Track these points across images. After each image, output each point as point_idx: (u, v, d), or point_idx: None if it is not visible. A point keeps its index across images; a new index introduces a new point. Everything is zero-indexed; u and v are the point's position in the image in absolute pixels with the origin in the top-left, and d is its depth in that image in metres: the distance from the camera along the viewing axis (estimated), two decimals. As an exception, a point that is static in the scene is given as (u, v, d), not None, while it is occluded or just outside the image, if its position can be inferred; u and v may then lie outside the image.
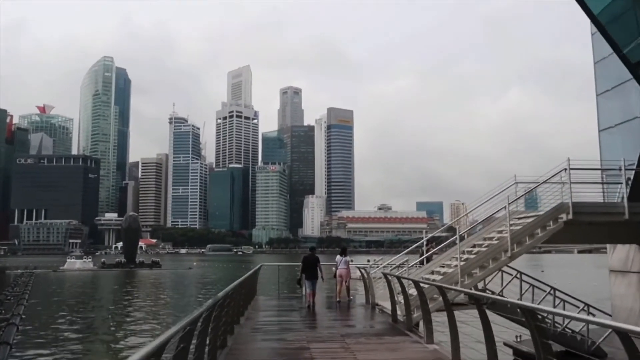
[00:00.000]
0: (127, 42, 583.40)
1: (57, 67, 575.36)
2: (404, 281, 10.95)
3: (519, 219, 12.59)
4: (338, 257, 18.18)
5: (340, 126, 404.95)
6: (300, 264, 16.95)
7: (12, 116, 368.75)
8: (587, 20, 15.10)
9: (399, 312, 11.66)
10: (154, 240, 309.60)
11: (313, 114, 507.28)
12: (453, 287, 9.89)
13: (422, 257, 13.87)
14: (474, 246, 12.75)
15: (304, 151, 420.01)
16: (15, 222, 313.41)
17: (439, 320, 10.22)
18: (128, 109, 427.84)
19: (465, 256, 12.11)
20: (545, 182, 12.15)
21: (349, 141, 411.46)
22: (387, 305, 13.15)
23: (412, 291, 10.97)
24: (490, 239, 12.53)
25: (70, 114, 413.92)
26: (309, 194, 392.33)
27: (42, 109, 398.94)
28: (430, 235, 14.76)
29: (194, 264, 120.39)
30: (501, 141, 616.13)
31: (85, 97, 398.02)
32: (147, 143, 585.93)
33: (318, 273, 16.58)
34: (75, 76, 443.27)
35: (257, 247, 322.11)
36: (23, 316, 29.35)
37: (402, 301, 10.95)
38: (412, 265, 14.47)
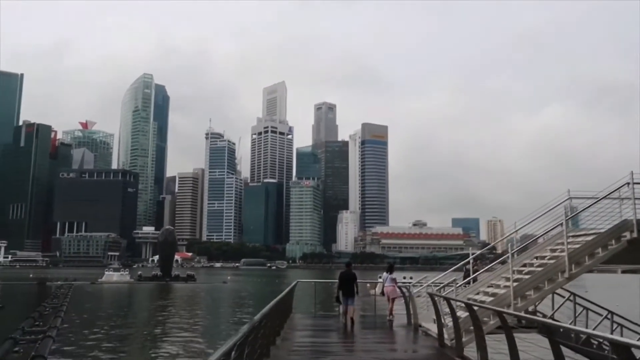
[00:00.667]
0: (165, 60, 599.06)
1: (98, 84, 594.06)
2: (452, 302, 10.21)
3: (574, 237, 11.70)
4: (384, 274, 17.71)
5: (374, 141, 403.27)
6: (336, 280, 16.34)
7: (56, 132, 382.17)
8: (628, 36, 14.04)
9: (446, 336, 10.90)
10: (190, 254, 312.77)
11: (347, 129, 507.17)
12: (512, 311, 9.12)
13: (472, 277, 12.99)
14: (524, 265, 11.89)
15: (338, 166, 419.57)
16: (57, 235, 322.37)
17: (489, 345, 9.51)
18: (166, 124, 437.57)
19: (516, 276, 11.29)
20: (605, 197, 11.16)
21: (383, 156, 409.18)
22: (432, 327, 12.41)
23: (460, 313, 10.25)
24: (543, 257, 11.66)
25: (111, 129, 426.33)
26: (343, 209, 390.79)
27: (85, 125, 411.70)
28: (477, 253, 13.91)
29: (228, 278, 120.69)
30: (537, 157, 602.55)
31: (125, 113, 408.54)
32: (184, 158, 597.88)
33: (355, 290, 16.08)
34: (116, 93, 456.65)
35: (290, 261, 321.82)
36: (60, 329, 29.62)
37: (450, 324, 10.23)
38: (459, 285, 13.62)
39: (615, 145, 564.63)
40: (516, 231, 11.84)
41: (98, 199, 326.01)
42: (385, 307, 19.97)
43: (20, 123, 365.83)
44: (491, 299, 10.74)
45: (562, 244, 11.11)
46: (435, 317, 11.46)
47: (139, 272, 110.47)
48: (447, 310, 10.63)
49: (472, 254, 14.30)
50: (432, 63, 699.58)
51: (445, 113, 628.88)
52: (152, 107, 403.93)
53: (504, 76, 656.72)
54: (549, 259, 11.31)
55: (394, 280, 17.13)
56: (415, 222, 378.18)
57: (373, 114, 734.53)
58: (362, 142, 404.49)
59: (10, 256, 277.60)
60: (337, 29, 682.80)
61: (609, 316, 13.68)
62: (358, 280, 16.52)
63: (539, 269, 10.81)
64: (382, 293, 17.51)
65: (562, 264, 10.71)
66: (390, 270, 17.74)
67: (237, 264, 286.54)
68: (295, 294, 18.66)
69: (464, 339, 9.74)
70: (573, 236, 11.75)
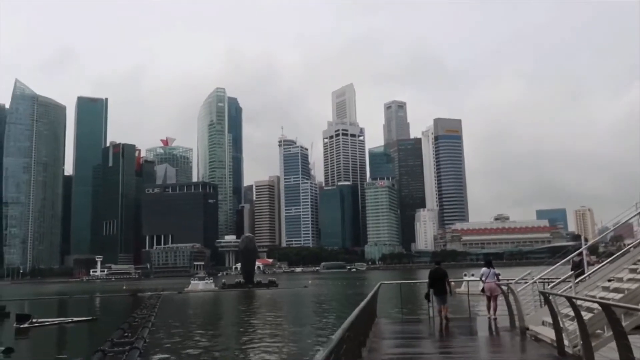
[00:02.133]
0: (234, 73, 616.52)
1: (176, 103, 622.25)
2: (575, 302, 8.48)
3: None
4: (484, 269, 16.42)
5: (448, 136, 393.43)
6: (421, 280, 15.37)
7: (139, 150, 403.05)
8: None
9: (566, 343, 9.24)
10: (271, 260, 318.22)
11: (419, 126, 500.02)
12: None
13: (592, 270, 11.06)
14: None
15: (412, 164, 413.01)
16: (147, 248, 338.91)
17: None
18: (240, 135, 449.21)
19: (638, 267, 9.51)
20: None
21: (458, 151, 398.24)
22: (542, 330, 10.77)
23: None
24: None
25: (190, 144, 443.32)
26: (420, 207, 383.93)
27: (165, 142, 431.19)
28: (592, 242, 12.04)
29: (309, 282, 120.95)
30: (624, 139, 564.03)
31: (201, 128, 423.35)
32: (259, 167, 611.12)
33: (447, 287, 15.57)
34: (192, 109, 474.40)
35: (370, 263, 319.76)
36: (147, 339, 30.05)
37: (570, 328, 8.65)
38: (567, 280, 11.76)
39: None
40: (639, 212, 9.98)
41: (181, 211, 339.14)
42: (480, 307, 18.31)
43: (108, 144, 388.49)
44: (619, 295, 9.00)
45: None
46: (549, 320, 9.85)
47: (223, 280, 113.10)
48: (565, 312, 9.02)
49: (585, 243, 12.46)
50: (502, 50, 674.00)
51: (520, 100, 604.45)
52: (226, 119, 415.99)
53: (582, 56, 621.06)
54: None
55: (495, 275, 15.70)
56: (497, 216, 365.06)
57: (445, 109, 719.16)
58: (436, 138, 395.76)
59: (106, 270, 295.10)
60: (398, 24, 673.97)
61: None
62: (449, 279, 15.73)
63: None
64: (483, 290, 16.11)
65: None
66: (489, 264, 16.33)
67: (317, 268, 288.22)
68: (378, 297, 17.54)
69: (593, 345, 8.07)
70: None
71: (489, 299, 16.02)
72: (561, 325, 8.91)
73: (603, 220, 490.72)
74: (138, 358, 23.21)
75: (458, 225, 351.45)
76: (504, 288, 14.36)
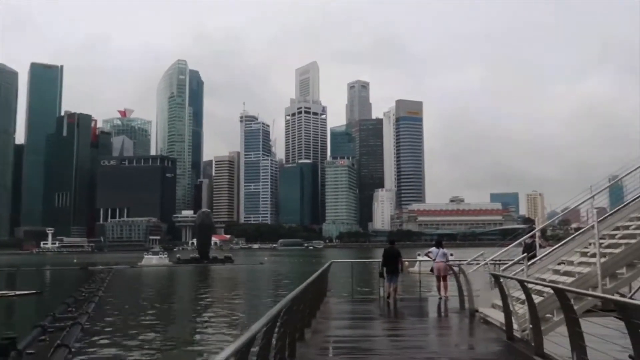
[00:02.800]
0: (197, 45, 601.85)
1: (135, 73, 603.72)
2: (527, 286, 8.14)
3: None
4: (434, 249, 16.43)
5: (409, 118, 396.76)
6: (375, 259, 15.26)
7: (96, 121, 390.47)
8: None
9: (515, 327, 9.02)
10: (228, 236, 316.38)
11: (381, 107, 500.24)
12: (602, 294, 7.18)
13: (546, 252, 10.77)
14: (602, 238, 9.82)
15: (373, 145, 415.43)
16: (101, 221, 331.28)
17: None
18: (201, 109, 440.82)
19: (592, 251, 9.34)
20: None
21: (419, 133, 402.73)
22: (491, 313, 10.56)
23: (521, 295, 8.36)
24: (627, 227, 9.57)
25: (148, 116, 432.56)
26: (379, 187, 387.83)
27: (123, 113, 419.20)
28: (545, 224, 11.88)
29: (266, 259, 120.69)
30: (579, 128, 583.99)
31: (161, 100, 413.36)
32: (219, 142, 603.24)
33: (399, 267, 15.58)
34: (152, 81, 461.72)
35: (327, 241, 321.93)
36: (92, 315, 29.02)
37: (520, 312, 8.39)
38: (520, 263, 11.55)
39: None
40: (593, 196, 9.78)
41: (138, 185, 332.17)
42: (430, 286, 18.21)
43: (62, 114, 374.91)
44: (571, 279, 8.79)
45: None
46: (499, 303, 9.61)
47: (178, 255, 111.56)
48: (516, 295, 8.76)
49: (533, 227, 12.31)
50: (465, 35, 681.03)
51: (481, 86, 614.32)
52: (186, 93, 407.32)
53: (542, 45, 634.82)
54: (637, 229, 9.24)
55: (445, 255, 15.58)
56: (452, 198, 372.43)
57: (407, 91, 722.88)
58: (397, 119, 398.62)
59: (57, 242, 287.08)
60: (363, 5, 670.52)
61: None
62: (402, 258, 15.60)
63: (633, 240, 8.70)
64: (432, 270, 16.03)
65: None
66: (439, 244, 16.21)
67: (274, 245, 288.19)
68: (331, 275, 17.21)
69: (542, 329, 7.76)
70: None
71: (438, 279, 15.93)
72: (511, 308, 8.67)
73: (552, 204, 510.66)
74: (80, 334, 22.29)
75: (415, 206, 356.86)
76: (455, 269, 14.24)
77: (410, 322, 12.40)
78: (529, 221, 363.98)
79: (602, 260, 8.33)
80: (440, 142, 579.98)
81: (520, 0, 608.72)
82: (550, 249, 10.56)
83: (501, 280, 8.89)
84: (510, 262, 10.57)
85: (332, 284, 17.97)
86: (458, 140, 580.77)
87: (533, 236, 12.96)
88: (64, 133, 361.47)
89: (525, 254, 12.73)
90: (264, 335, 5.05)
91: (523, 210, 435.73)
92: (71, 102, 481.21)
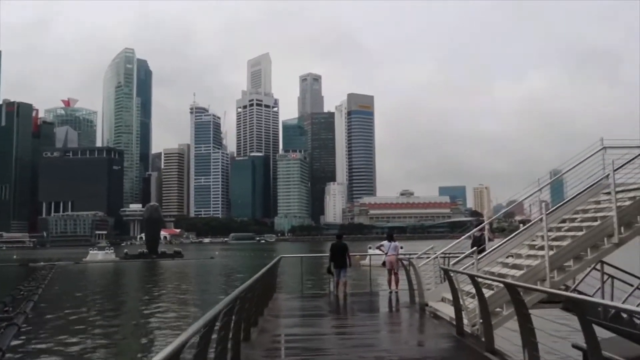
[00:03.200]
0: (146, 34, 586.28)
1: (80, 60, 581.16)
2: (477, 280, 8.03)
3: (608, 194, 9.76)
4: (385, 242, 16.25)
5: (360, 112, 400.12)
6: (326, 254, 15.15)
7: (37, 110, 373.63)
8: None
9: (465, 322, 8.88)
10: (178, 230, 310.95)
11: (333, 100, 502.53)
12: (551, 289, 7.14)
13: (497, 246, 10.74)
14: (550, 230, 9.90)
15: (325, 138, 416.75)
16: (44, 215, 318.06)
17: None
18: (150, 100, 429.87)
19: (540, 243, 9.40)
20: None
21: (370, 127, 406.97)
22: (441, 307, 10.49)
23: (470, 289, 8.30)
24: (573, 220, 9.69)
25: (94, 106, 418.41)
26: (330, 181, 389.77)
27: (67, 103, 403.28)
28: (493, 217, 11.92)
29: (216, 253, 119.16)
30: (524, 124, 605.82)
31: (108, 90, 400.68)
32: (168, 134, 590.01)
33: (347, 261, 15.39)
34: (98, 69, 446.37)
35: (279, 235, 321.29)
36: (30, 314, 27.54)
37: (470, 307, 8.31)
38: (470, 256, 11.53)
39: (602, 108, 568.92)
40: (540, 189, 9.86)
41: (83, 177, 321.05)
42: (381, 281, 18.19)
43: (0, 102, 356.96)
44: (520, 272, 8.79)
45: (603, 202, 9.18)
46: (449, 297, 9.52)
47: (125, 250, 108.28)
48: (466, 289, 8.68)
49: (481, 219, 12.36)
50: (416, 31, 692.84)
51: (431, 81, 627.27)
52: (134, 82, 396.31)
53: (490, 44, 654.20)
54: (582, 222, 9.38)
55: (396, 248, 15.54)
56: (402, 191, 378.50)
57: (359, 84, 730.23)
58: (349, 113, 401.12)
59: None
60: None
61: (640, 286, 11.88)
62: (350, 252, 15.45)
63: (579, 233, 8.80)
64: (383, 264, 15.95)
65: (609, 226, 8.76)
66: (390, 238, 16.16)
67: (225, 239, 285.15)
68: (281, 270, 16.90)
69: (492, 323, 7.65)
70: (607, 194, 9.83)
71: (390, 272, 15.83)
72: (461, 303, 8.57)
73: (498, 197, 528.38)
74: (16, 335, 21.08)
75: (366, 200, 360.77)
76: (405, 262, 14.19)
77: (360, 318, 12.19)
78: (476, 214, 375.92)
79: (550, 253, 8.38)
80: (391, 136, 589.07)
81: (470, 7, 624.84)
82: (500, 242, 10.60)
83: (451, 274, 8.80)
84: (462, 256, 10.47)
85: (282, 279, 17.63)
86: (408, 135, 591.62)
87: (482, 229, 13.05)
88: (3, 122, 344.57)
89: (474, 247, 12.80)
90: (200, 339, 4.67)
91: (470, 204, 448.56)
92: (11, 90, 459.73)
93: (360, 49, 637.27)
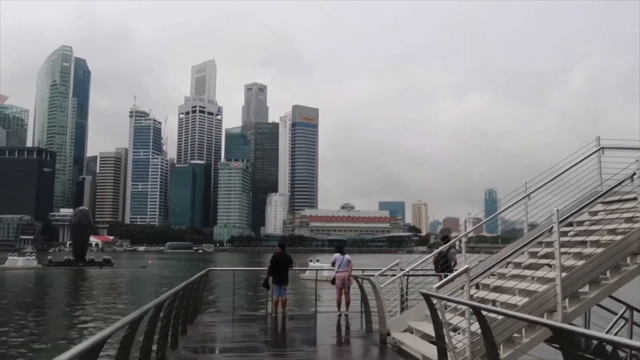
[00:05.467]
0: (85, 33, 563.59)
1: (11, 55, 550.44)
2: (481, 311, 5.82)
3: (608, 203, 8.04)
4: (337, 255, 13.81)
5: (305, 124, 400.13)
6: (262, 268, 12.94)
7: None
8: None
9: (450, 364, 6.66)
10: (111, 237, 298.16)
11: (278, 111, 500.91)
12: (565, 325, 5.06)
13: (470, 267, 8.52)
14: (548, 246, 7.97)
15: (268, 148, 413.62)
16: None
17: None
18: (87, 101, 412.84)
19: (526, 262, 7.52)
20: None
21: (314, 139, 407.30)
22: (410, 341, 8.27)
23: (457, 319, 6.32)
24: (565, 234, 7.79)
25: (26, 105, 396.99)
26: (272, 191, 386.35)
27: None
28: (468, 232, 9.97)
29: (149, 262, 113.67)
30: (460, 143, 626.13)
31: (42, 88, 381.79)
32: (106, 137, 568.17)
33: (288, 275, 13.59)
34: (31, 66, 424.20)
35: (218, 245, 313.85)
36: None
37: (460, 345, 6.25)
38: (445, 275, 9.47)
39: (532, 129, 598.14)
40: (528, 195, 8.03)
41: (10, 178, 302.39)
42: (328, 300, 15.90)
43: None
44: (524, 300, 6.75)
45: (603, 212, 7.46)
46: (418, 327, 7.43)
47: (49, 257, 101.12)
48: (448, 317, 6.58)
49: (454, 235, 10.47)
50: (360, 48, 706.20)
51: (374, 98, 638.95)
52: (71, 81, 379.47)
53: (430, 63, 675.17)
54: (586, 235, 7.54)
55: (349, 263, 13.33)
56: (343, 205, 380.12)
57: (304, 97, 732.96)
58: (293, 125, 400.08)
59: None
60: (265, 7, 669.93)
61: (627, 314, 10.30)
62: (293, 265, 13.30)
63: (599, 250, 6.85)
64: (333, 281, 13.65)
65: (635, 242, 6.79)
66: (341, 251, 13.93)
67: (162, 248, 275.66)
68: (216, 282, 14.37)
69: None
70: (606, 202, 8.10)
71: (339, 291, 13.48)
72: (447, 341, 6.38)
73: (435, 214, 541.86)
74: None
75: (307, 212, 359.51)
76: (360, 281, 11.84)
77: (304, 353, 9.60)
78: (414, 229, 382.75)
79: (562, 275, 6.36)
80: (334, 150, 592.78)
81: (416, 19, 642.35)
82: (495, 263, 8.51)
83: (434, 301, 6.59)
84: (450, 275, 8.19)
85: (215, 293, 15.08)
86: (351, 149, 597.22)
87: (451, 244, 11.17)
88: None
89: (440, 265, 10.87)
90: None
91: (409, 219, 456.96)
92: None
93: (308, 62, 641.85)
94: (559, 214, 6.74)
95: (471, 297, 7.02)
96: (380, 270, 11.15)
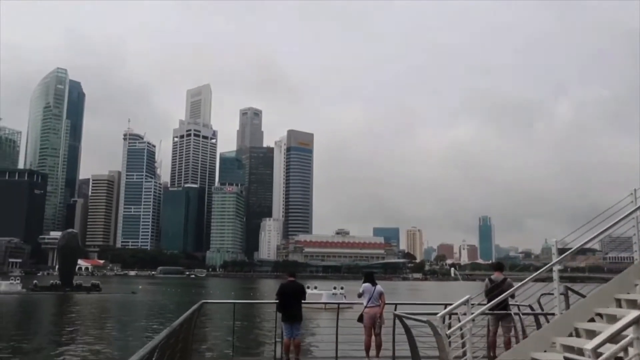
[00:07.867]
0: (79, 55, 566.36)
1: (4, 76, 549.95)
2: None
3: None
4: (366, 285, 11.12)
5: (300, 149, 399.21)
6: (267, 301, 10.40)
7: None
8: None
9: None
10: (102, 261, 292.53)
11: (273, 136, 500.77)
12: None
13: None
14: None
15: (262, 173, 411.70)
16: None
17: None
18: (81, 123, 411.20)
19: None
20: None
21: (309, 164, 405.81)
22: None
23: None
24: None
25: (19, 126, 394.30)
26: (266, 216, 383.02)
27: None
28: (560, 258, 7.75)
29: (140, 287, 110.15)
30: (452, 170, 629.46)
31: (35, 110, 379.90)
32: (99, 160, 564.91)
33: (301, 310, 10.65)
34: (25, 87, 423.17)
35: (210, 270, 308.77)
36: None
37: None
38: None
39: (520, 155, 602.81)
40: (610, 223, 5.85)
41: (0, 200, 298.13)
42: (352, 342, 12.68)
43: None
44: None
45: None
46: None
47: (34, 281, 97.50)
48: None
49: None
50: (354, 78, 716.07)
51: (367, 125, 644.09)
52: (65, 104, 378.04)
53: (423, 91, 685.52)
54: None
55: (381, 295, 10.83)
56: (338, 230, 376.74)
57: (298, 122, 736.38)
58: (288, 149, 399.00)
59: None
60: (257, 32, 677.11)
61: None
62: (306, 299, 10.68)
63: None
64: (360, 318, 10.82)
65: None
66: (370, 279, 11.25)
67: (153, 272, 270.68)
68: (206, 317, 11.92)
69: None
70: None
71: (369, 332, 10.76)
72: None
73: (429, 240, 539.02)
74: None
75: (301, 237, 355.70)
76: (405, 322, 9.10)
77: None
78: (409, 256, 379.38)
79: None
80: (328, 175, 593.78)
81: (406, 49, 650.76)
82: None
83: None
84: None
85: (207, 329, 12.68)
86: (345, 175, 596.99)
87: (501, 270, 8.94)
88: None
89: (490, 296, 8.68)
90: None
91: (403, 245, 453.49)
92: None
93: (303, 88, 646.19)
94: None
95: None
96: (453, 307, 8.31)
